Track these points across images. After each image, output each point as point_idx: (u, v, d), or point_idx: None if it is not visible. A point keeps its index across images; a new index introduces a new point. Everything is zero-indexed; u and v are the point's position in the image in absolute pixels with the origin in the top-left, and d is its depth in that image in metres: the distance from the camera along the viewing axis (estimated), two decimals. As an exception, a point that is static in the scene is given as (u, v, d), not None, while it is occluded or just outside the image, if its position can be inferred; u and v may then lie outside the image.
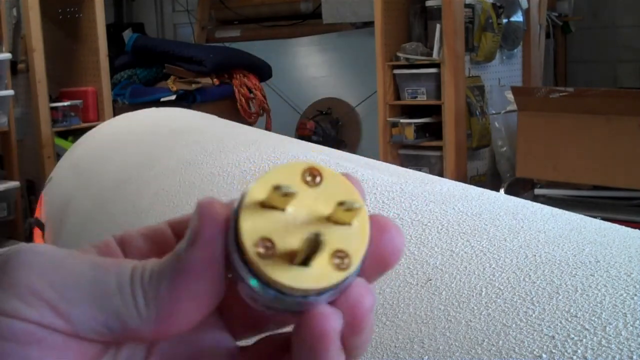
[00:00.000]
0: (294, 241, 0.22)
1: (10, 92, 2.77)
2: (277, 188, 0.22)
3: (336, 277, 0.22)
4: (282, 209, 0.22)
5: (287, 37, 4.23)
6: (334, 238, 0.22)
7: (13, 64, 2.85)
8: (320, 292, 0.22)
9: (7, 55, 2.73)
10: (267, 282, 0.22)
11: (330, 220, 0.22)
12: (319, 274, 0.22)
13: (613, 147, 2.45)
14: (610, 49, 3.58)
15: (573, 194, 2.72)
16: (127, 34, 3.92)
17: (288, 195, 0.22)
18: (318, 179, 0.23)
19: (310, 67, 4.18)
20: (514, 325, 0.41)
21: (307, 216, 0.22)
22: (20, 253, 0.23)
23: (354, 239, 0.22)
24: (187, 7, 4.79)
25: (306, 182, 0.23)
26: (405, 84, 3.10)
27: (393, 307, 0.46)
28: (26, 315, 0.22)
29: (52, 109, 2.93)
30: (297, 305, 0.22)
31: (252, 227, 0.22)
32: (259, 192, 0.22)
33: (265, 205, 0.22)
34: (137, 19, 5.07)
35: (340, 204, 0.22)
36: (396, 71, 3.12)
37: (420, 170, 1.25)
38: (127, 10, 5.17)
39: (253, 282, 0.22)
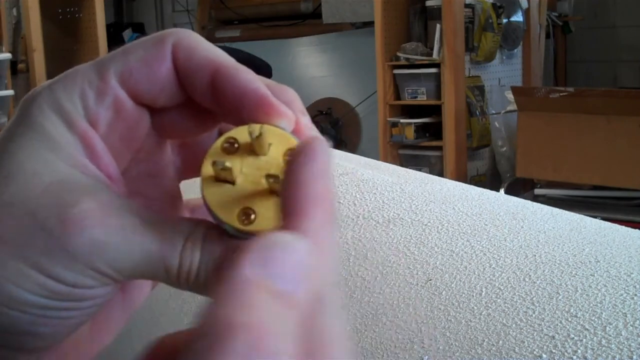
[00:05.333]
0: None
1: (10, 92, 2.77)
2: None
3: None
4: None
5: (287, 37, 4.23)
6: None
7: (13, 64, 2.85)
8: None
9: (7, 55, 2.73)
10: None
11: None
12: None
13: (613, 147, 2.45)
14: (610, 49, 3.57)
15: (573, 194, 2.72)
16: (127, 34, 3.92)
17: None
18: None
19: (310, 67, 4.18)
20: (514, 325, 0.41)
21: (252, 186, 0.25)
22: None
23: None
24: (187, 7, 4.79)
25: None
26: (405, 84, 3.10)
27: (393, 307, 0.46)
28: None
29: (52, 109, 2.93)
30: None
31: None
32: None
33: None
34: (137, 19, 5.07)
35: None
36: (396, 71, 3.12)
37: (420, 170, 1.25)
38: (127, 10, 5.17)
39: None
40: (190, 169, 0.31)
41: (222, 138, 0.26)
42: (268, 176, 0.25)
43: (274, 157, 0.25)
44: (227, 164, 0.25)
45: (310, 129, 0.27)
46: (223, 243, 0.25)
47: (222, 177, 0.25)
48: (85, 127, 0.26)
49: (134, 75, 0.26)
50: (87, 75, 0.26)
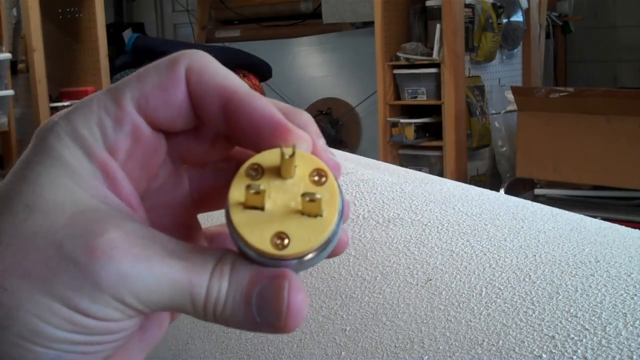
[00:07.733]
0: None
1: (10, 92, 2.77)
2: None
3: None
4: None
5: (287, 37, 4.23)
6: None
7: (13, 64, 2.85)
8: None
9: (7, 55, 2.73)
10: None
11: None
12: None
13: (613, 147, 2.45)
14: (610, 49, 3.58)
15: (573, 194, 2.72)
16: (127, 34, 3.91)
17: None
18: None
19: (310, 67, 4.18)
20: (514, 325, 0.41)
21: (282, 210, 0.25)
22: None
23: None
24: (187, 7, 4.79)
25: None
26: (405, 84, 3.10)
27: (393, 307, 0.46)
28: None
29: (52, 109, 2.93)
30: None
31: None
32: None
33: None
34: (137, 19, 5.07)
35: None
36: (396, 71, 3.12)
37: (420, 170, 1.25)
38: (127, 10, 5.18)
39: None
40: (206, 201, 0.31)
41: (247, 164, 0.25)
42: (304, 195, 0.24)
43: (300, 179, 0.25)
44: (262, 186, 0.24)
45: (327, 152, 0.27)
46: (250, 272, 0.25)
47: (251, 203, 0.24)
48: (105, 156, 0.26)
49: (151, 101, 0.26)
50: (104, 102, 0.26)
